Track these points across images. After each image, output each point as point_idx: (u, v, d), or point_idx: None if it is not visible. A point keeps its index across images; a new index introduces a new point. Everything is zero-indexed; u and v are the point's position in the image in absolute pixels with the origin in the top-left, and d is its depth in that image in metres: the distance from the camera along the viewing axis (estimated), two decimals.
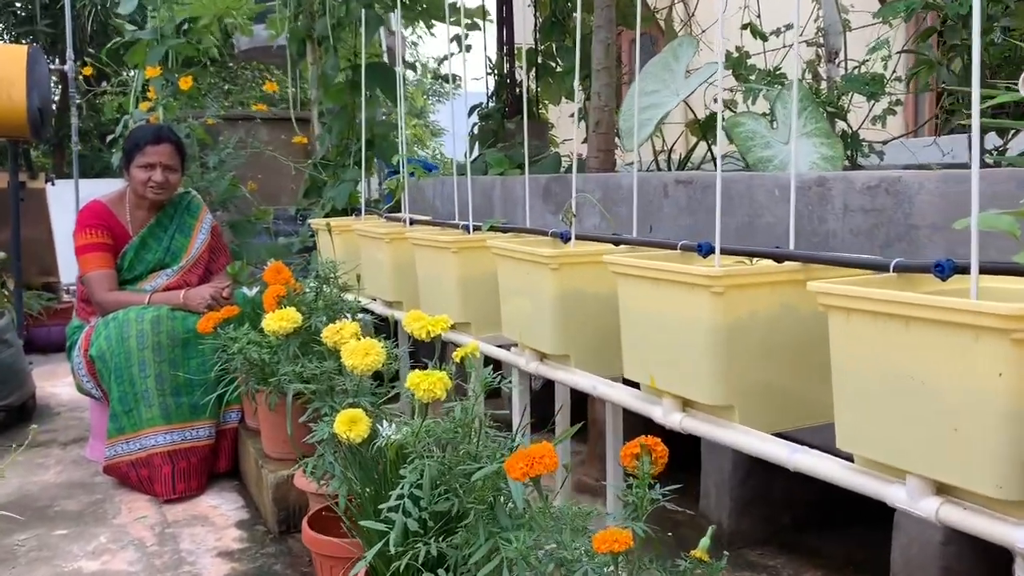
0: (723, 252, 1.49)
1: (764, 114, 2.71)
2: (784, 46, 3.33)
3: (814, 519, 2.47)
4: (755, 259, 1.53)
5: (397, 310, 2.64)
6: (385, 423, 1.63)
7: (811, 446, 1.29)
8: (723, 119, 3.54)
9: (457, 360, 1.45)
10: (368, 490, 1.71)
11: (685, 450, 2.16)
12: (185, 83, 3.58)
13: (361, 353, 1.79)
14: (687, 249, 1.64)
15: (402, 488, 1.36)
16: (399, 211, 5.23)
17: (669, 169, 3.60)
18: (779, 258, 1.44)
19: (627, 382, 1.83)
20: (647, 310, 1.47)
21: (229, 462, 2.93)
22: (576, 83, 2.75)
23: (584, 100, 4.62)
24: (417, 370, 1.25)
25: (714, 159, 3.32)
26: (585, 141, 4.66)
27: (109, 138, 3.90)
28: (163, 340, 2.81)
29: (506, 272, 1.94)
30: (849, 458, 1.24)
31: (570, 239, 1.99)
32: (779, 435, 1.38)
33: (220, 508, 2.70)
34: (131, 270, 3.04)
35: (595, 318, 1.75)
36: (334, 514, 1.88)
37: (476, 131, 4.99)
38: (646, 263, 1.44)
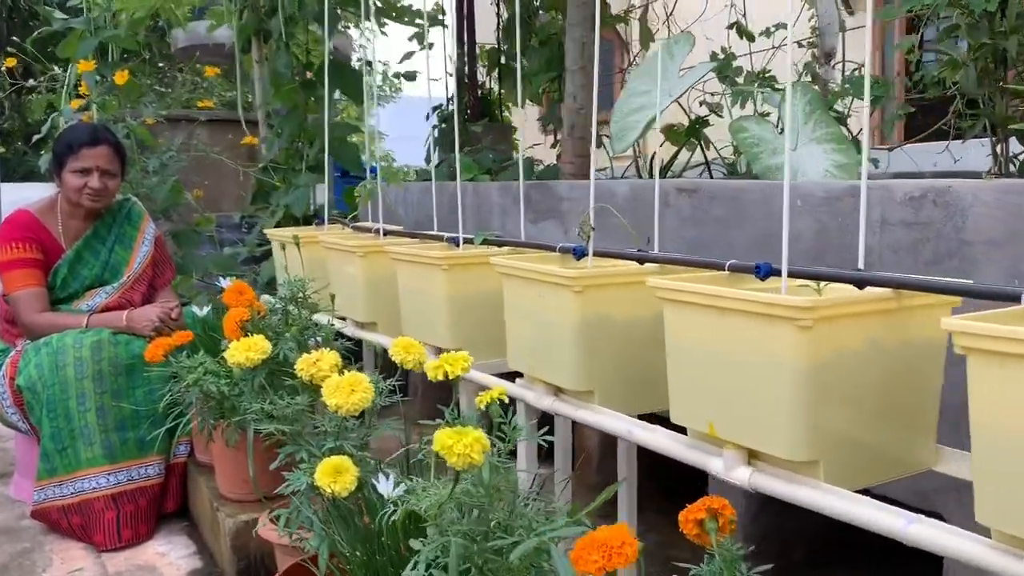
0: (786, 275, 1.27)
1: (764, 114, 2.53)
2: (773, 47, 3.17)
3: (828, 557, 2.28)
4: (822, 283, 1.32)
5: (370, 331, 2.38)
6: (382, 478, 1.38)
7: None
8: (706, 123, 3.37)
9: (481, 406, 1.20)
10: (359, 553, 1.46)
11: (683, 476, 1.96)
12: (121, 77, 3.24)
13: (346, 390, 1.53)
14: (738, 270, 1.42)
15: (417, 566, 1.11)
16: (355, 221, 4.97)
17: (650, 176, 3.40)
18: (860, 283, 1.23)
19: (647, 417, 1.61)
20: (706, 345, 1.25)
21: (177, 501, 2.63)
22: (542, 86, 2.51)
23: (550, 103, 4.41)
24: (445, 428, 1.00)
25: (733, 170, 3.13)
26: (554, 146, 4.45)
27: (35, 138, 3.54)
28: (105, 368, 2.49)
29: (515, 294, 1.70)
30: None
31: (584, 255, 1.76)
32: (863, 491, 1.17)
33: (168, 556, 2.40)
34: (65, 288, 2.71)
35: (625, 349, 1.52)
36: (309, 572, 1.62)
37: (436, 134, 4.73)
38: (713, 290, 1.22)
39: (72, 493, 2.45)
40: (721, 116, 3.19)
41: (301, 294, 2.00)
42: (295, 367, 1.70)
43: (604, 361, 1.51)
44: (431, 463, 1.19)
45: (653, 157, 3.30)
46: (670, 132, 3.76)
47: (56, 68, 3.68)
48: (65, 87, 3.55)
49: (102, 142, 2.67)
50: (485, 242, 2.06)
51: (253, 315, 1.92)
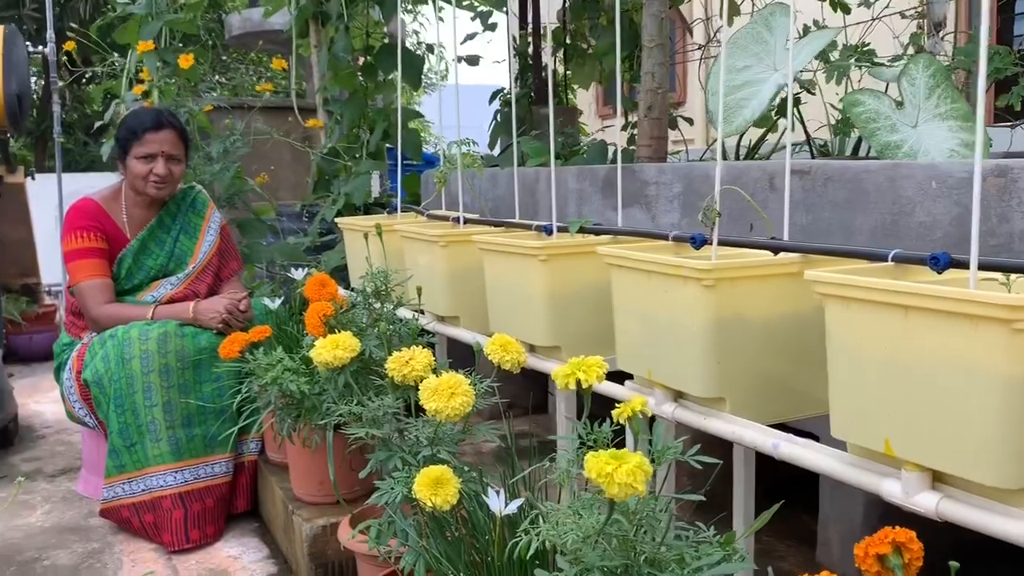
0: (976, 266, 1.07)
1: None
2: (873, 19, 2.95)
3: None
4: (1013, 276, 1.13)
5: (452, 326, 2.23)
6: (492, 493, 1.23)
7: None
8: (798, 102, 3.17)
9: (621, 420, 1.04)
10: None
11: (786, 476, 1.78)
12: (185, 61, 3.14)
13: (445, 394, 1.39)
14: (904, 261, 1.23)
15: None
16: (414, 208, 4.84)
17: (737, 158, 3.20)
18: None
19: (778, 426, 1.44)
20: (883, 351, 1.07)
21: (248, 500, 2.52)
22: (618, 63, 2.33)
23: (626, 83, 4.22)
24: (599, 453, 0.85)
25: (826, 150, 2.93)
26: (624, 128, 4.27)
27: (97, 124, 3.45)
28: (172, 362, 2.39)
29: (628, 287, 1.53)
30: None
31: (705, 243, 1.59)
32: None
33: (241, 559, 2.29)
34: (129, 279, 2.62)
35: (761, 350, 1.35)
36: None
37: (499, 119, 4.58)
38: (898, 285, 1.04)
39: (143, 491, 2.36)
40: (813, 93, 2.98)
41: (384, 287, 1.86)
42: (384, 366, 1.56)
43: (737, 364, 1.34)
44: (539, 473, 1.04)
45: (740, 139, 3.11)
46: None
47: (115, 55, 3.59)
48: (125, 73, 3.46)
49: (166, 126, 2.56)
50: (581, 231, 1.90)
51: (336, 310, 1.79)
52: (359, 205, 4.36)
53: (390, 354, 1.58)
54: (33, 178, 5.02)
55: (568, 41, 4.51)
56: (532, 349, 1.86)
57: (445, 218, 2.52)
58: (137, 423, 2.35)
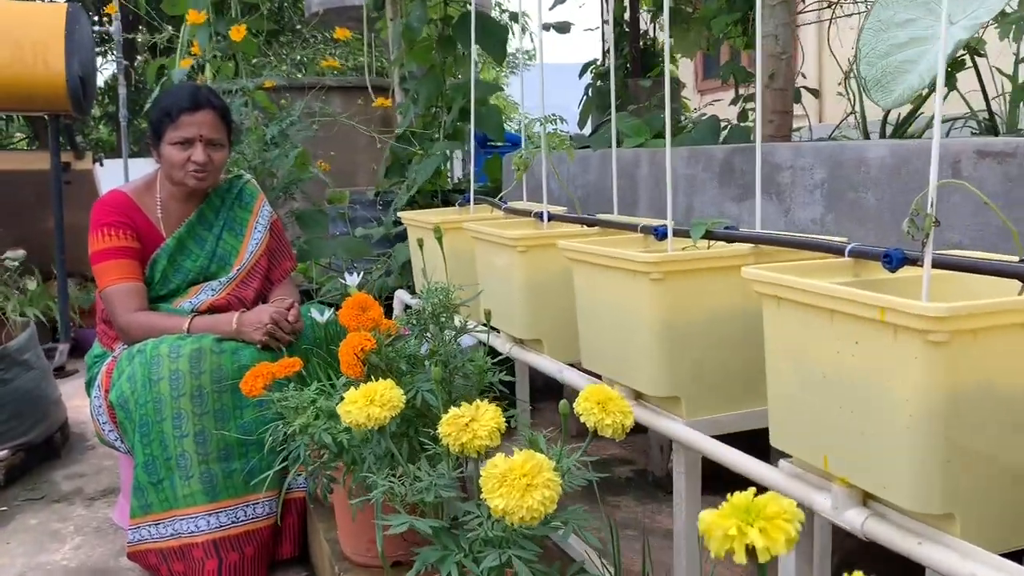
0: None
1: None
2: None
3: None
4: None
5: (531, 350, 1.79)
6: None
7: None
8: (962, 66, 2.60)
9: None
10: None
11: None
12: (237, 33, 2.78)
13: (518, 485, 0.97)
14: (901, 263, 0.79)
15: None
16: (494, 196, 4.42)
17: (884, 135, 2.66)
18: None
19: None
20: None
21: (296, 545, 2.15)
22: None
23: (739, 49, 3.69)
24: None
25: (993, 126, 2.38)
26: (734, 102, 3.74)
27: (146, 107, 3.13)
28: (206, 384, 2.03)
29: (802, 330, 1.06)
30: None
31: (903, 263, 1.10)
32: None
33: None
34: (165, 283, 2.27)
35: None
36: None
37: (591, 94, 4.10)
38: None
39: (171, 535, 2.02)
40: (983, 55, 2.42)
41: (444, 308, 1.44)
42: (439, 425, 1.14)
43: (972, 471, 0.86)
44: None
45: (887, 114, 2.56)
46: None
47: (169, 28, 3.26)
48: (179, 48, 3.13)
49: (204, 106, 2.20)
50: (708, 236, 1.43)
51: (380, 341, 1.37)
52: (436, 192, 3.97)
53: (450, 400, 1.16)
54: (102, 164, 4.80)
55: (670, 4, 3.99)
56: (637, 396, 1.41)
57: (527, 212, 2.08)
58: (165, 456, 2.00)
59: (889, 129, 2.66)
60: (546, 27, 4.15)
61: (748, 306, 1.26)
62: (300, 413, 1.41)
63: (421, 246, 1.88)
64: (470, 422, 1.10)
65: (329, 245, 2.92)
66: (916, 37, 2.00)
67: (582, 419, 1.12)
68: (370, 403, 1.14)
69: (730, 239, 1.41)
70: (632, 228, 1.65)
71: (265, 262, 2.40)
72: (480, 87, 4.21)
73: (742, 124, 3.26)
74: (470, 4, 4.58)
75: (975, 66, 2.45)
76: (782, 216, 2.07)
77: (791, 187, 2.05)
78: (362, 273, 2.07)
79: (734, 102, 3.50)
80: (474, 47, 3.45)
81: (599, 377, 1.52)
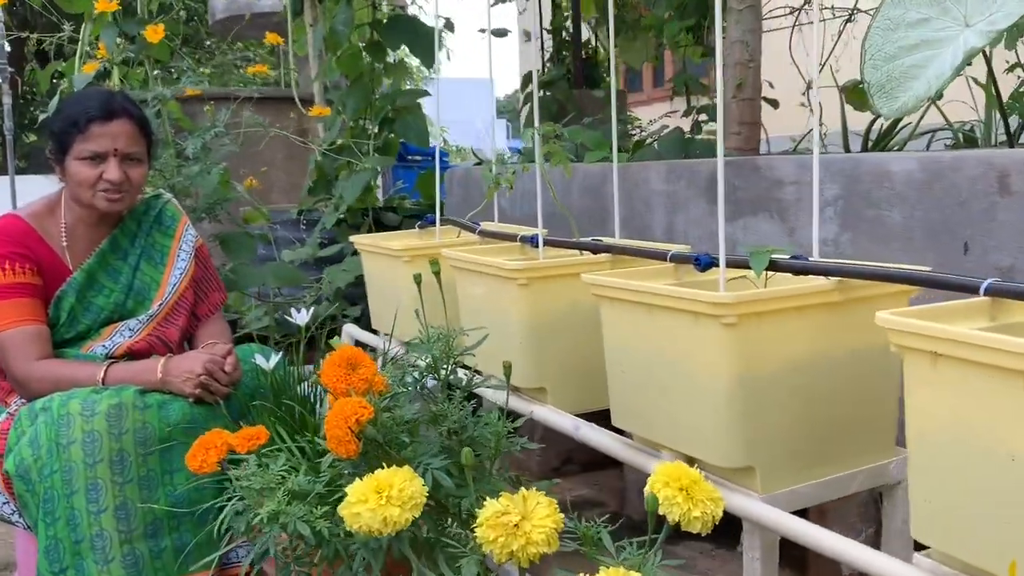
0: None
1: None
2: None
3: None
4: None
5: (535, 401, 1.52)
6: None
7: None
8: None
9: None
10: None
11: None
12: (154, 34, 2.43)
13: None
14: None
15: None
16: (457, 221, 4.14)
17: (867, 147, 2.51)
18: None
19: None
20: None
21: None
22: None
23: (688, 59, 3.52)
24: None
25: (972, 137, 2.25)
26: (687, 114, 3.56)
27: (41, 118, 2.73)
28: (129, 447, 1.69)
29: (934, 377, 0.84)
30: None
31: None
32: None
33: None
34: (72, 324, 1.92)
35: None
36: None
37: (529, 107, 3.87)
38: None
39: None
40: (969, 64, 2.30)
41: (449, 358, 1.16)
42: (475, 524, 0.87)
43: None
44: None
45: (872, 123, 2.42)
46: (852, 92, 2.86)
47: (66, 27, 2.86)
48: (79, 50, 2.75)
49: (119, 114, 1.86)
50: (773, 267, 1.20)
51: (376, 408, 1.07)
52: (366, 210, 3.67)
53: (462, 478, 0.89)
54: None
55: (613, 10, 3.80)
56: (689, 461, 1.17)
57: (509, 236, 1.81)
58: (75, 538, 1.65)
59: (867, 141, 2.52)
60: (482, 31, 3.90)
61: (833, 352, 1.04)
62: (267, 496, 1.11)
63: (378, 275, 1.59)
64: (520, 522, 0.83)
65: (258, 272, 2.59)
66: (928, 39, 1.84)
67: (661, 509, 0.87)
68: (385, 501, 0.86)
69: (802, 271, 1.19)
70: (657, 256, 1.41)
71: (191, 295, 2.06)
72: (406, 94, 3.95)
73: (697, 137, 3.09)
74: (396, 7, 4.31)
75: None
76: (785, 236, 1.88)
77: (796, 204, 1.86)
78: (311, 309, 1.77)
79: (686, 114, 3.33)
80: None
81: (626, 434, 1.28)
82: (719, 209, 1.19)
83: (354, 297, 3.49)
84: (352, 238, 2.03)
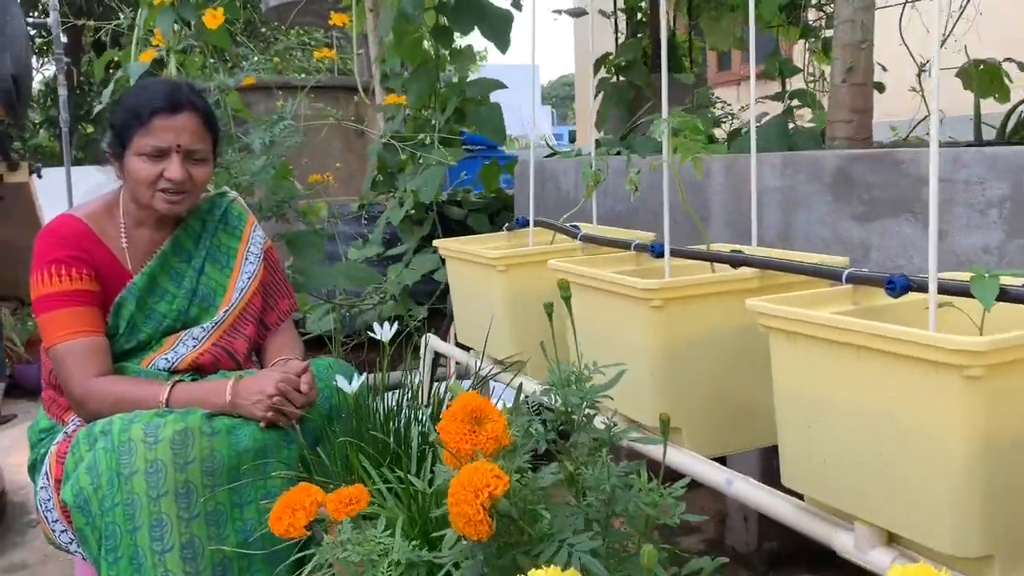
0: None
1: None
2: None
3: None
4: None
5: (671, 444, 1.30)
6: None
7: None
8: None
9: None
10: None
11: None
12: (212, 19, 2.26)
13: None
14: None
15: None
16: (496, 209, 3.91)
17: (1005, 138, 2.24)
18: None
19: None
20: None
21: None
22: None
23: (788, 41, 3.26)
24: None
25: None
26: (778, 97, 3.29)
27: (96, 108, 2.57)
28: (195, 478, 1.51)
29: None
30: None
31: None
32: None
33: None
34: (133, 334, 1.75)
35: None
36: None
37: (604, 92, 3.64)
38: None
39: None
40: None
41: (583, 401, 0.95)
42: None
43: None
44: None
45: (1013, 110, 2.15)
46: (978, 71, 2.59)
47: (122, 16, 2.70)
48: (135, 37, 2.59)
49: (185, 107, 1.68)
50: (1004, 296, 0.96)
51: (509, 475, 0.85)
52: (431, 205, 3.48)
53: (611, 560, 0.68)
54: (40, 175, 4.20)
55: None
56: (890, 537, 0.94)
57: (615, 243, 1.59)
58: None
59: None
60: (557, 12, 3.67)
61: None
62: (373, 566, 0.92)
63: (462, 283, 1.39)
64: None
65: (327, 273, 2.41)
66: None
67: None
68: None
69: None
70: (822, 274, 1.17)
71: (259, 301, 1.89)
72: (479, 84, 3.73)
73: (798, 125, 2.83)
74: None
75: None
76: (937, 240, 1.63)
77: (948, 205, 1.61)
78: (395, 324, 1.58)
79: (778, 98, 3.07)
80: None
81: (796, 495, 1.06)
82: (931, 218, 0.96)
83: (419, 295, 3.31)
84: (436, 243, 1.83)
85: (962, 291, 0.95)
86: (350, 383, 1.55)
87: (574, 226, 1.75)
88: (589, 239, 1.64)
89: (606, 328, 1.22)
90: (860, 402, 0.94)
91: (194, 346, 1.77)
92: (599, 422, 0.96)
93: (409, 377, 1.75)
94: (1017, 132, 2.20)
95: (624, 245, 1.52)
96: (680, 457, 1.15)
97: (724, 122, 2.91)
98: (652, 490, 0.89)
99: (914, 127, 2.64)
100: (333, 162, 5.23)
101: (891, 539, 0.96)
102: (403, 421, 1.54)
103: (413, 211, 3.48)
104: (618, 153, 2.82)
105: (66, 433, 1.71)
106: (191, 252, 1.83)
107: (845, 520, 1.00)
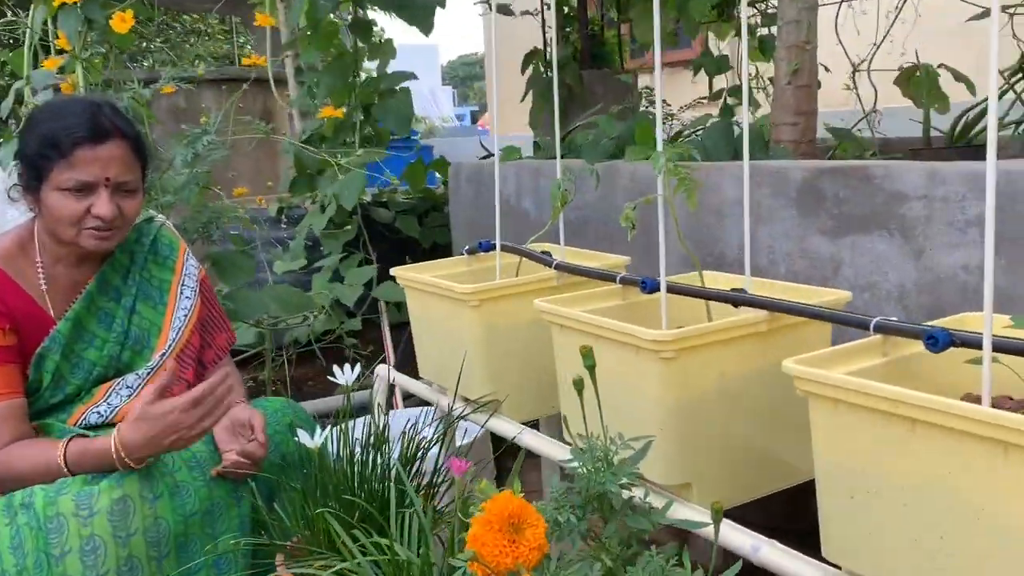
0: None
1: None
2: None
3: None
4: None
5: (682, 501, 1.19)
6: None
7: None
8: None
9: None
10: None
11: None
12: (121, 23, 2.04)
13: None
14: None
15: None
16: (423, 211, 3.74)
17: (955, 141, 2.24)
18: None
19: None
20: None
21: None
22: None
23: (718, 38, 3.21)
24: None
25: None
26: (711, 98, 3.25)
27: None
28: (139, 551, 1.36)
29: None
30: None
31: None
32: None
33: None
34: (59, 387, 1.56)
35: None
36: None
37: (536, 91, 3.53)
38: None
39: None
40: None
41: (618, 484, 0.85)
42: None
43: None
44: None
45: (965, 113, 2.15)
46: (915, 80, 2.61)
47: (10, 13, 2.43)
48: (28, 40, 2.33)
49: (112, 134, 1.50)
50: None
51: None
52: (354, 209, 3.30)
53: None
54: None
55: None
56: None
57: (595, 274, 1.49)
58: None
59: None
60: (488, 5, 3.53)
61: None
62: None
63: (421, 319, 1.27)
64: None
65: (258, 298, 2.22)
66: None
67: None
68: None
69: None
70: (851, 323, 1.10)
71: (197, 340, 1.71)
72: (390, 77, 3.57)
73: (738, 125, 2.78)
74: None
75: None
76: (911, 259, 1.61)
77: (926, 223, 1.58)
78: (357, 366, 1.45)
79: (715, 98, 3.03)
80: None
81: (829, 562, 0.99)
82: (986, 261, 0.89)
83: (348, 308, 3.14)
84: (394, 271, 1.69)
85: (1018, 350, 0.89)
86: (311, 434, 1.42)
87: (546, 253, 1.65)
88: (564, 268, 1.54)
89: (607, 379, 1.12)
90: (910, 475, 0.87)
91: (129, 395, 1.59)
92: (638, 496, 0.87)
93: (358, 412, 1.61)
94: (963, 136, 2.21)
95: (608, 277, 1.43)
96: (695, 516, 1.07)
97: (665, 123, 2.84)
98: None
99: (856, 124, 2.63)
100: (241, 158, 4.96)
101: None
102: (375, 474, 1.42)
103: (336, 216, 3.31)
104: (562, 156, 2.73)
105: None
106: (120, 289, 1.64)
107: None
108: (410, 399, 2.26)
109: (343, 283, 3.06)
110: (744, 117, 1.53)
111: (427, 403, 1.90)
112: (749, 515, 1.23)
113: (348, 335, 2.86)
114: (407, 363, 2.08)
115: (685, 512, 1.11)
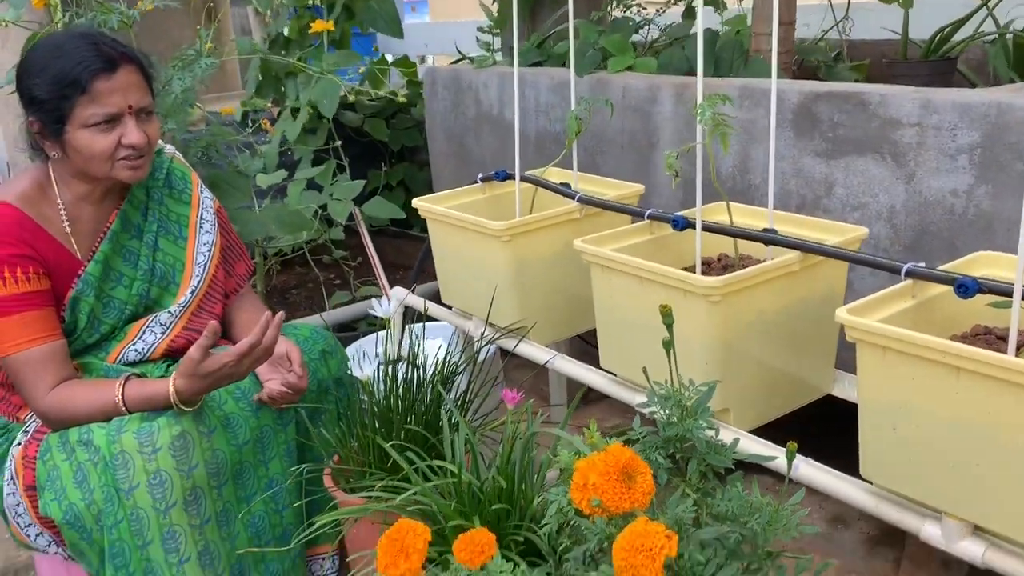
0: None
1: None
2: None
3: None
4: None
5: (724, 423, 1.31)
6: None
7: None
8: None
9: None
10: None
11: None
12: None
13: None
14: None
15: None
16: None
17: (905, 55, 2.31)
18: None
19: None
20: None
21: None
22: None
23: None
24: None
25: None
26: (688, 16, 3.21)
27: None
28: (202, 482, 1.44)
29: None
30: None
31: None
32: None
33: None
34: (95, 328, 1.60)
35: None
36: None
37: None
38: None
39: None
40: None
41: (696, 425, 0.94)
42: None
43: None
44: None
45: (941, 31, 2.21)
46: None
47: None
48: None
49: (121, 60, 1.48)
50: None
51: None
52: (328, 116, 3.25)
53: None
54: None
55: None
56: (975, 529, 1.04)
57: (619, 208, 1.56)
58: None
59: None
60: None
61: None
62: None
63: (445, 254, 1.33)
64: None
65: (259, 221, 2.23)
66: None
67: None
68: None
69: None
70: (931, 278, 1.20)
71: (222, 274, 1.75)
72: None
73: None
74: None
75: None
76: (901, 183, 1.72)
77: (917, 149, 1.68)
78: (389, 302, 1.51)
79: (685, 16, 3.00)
80: None
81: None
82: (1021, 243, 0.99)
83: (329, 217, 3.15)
84: (417, 204, 1.71)
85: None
86: (339, 359, 1.50)
87: (565, 184, 1.70)
88: (587, 201, 1.60)
89: (653, 319, 1.22)
90: (959, 415, 1.01)
91: (163, 333, 1.64)
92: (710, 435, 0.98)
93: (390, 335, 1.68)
94: (937, 50, 2.29)
95: (636, 213, 1.50)
96: (738, 439, 1.20)
97: (642, 27, 2.84)
98: (779, 508, 0.93)
99: (827, 31, 2.67)
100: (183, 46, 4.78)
101: (976, 530, 1.06)
102: (421, 397, 1.51)
103: (308, 125, 3.28)
104: (538, 63, 2.74)
105: (25, 432, 1.57)
106: (141, 226, 1.66)
107: (936, 513, 1.09)
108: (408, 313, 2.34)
109: (320, 192, 3.06)
110: (774, 48, 1.56)
111: (431, 318, 1.98)
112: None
113: (335, 246, 2.89)
114: (413, 281, 2.14)
115: (756, 447, 1.23)
